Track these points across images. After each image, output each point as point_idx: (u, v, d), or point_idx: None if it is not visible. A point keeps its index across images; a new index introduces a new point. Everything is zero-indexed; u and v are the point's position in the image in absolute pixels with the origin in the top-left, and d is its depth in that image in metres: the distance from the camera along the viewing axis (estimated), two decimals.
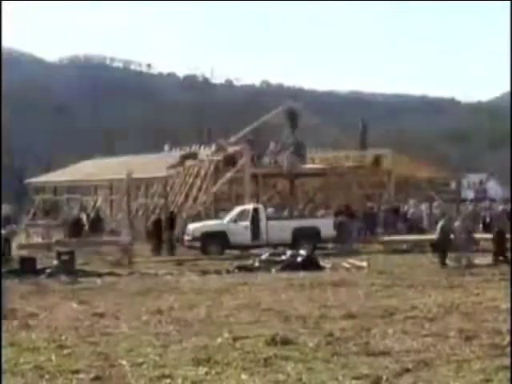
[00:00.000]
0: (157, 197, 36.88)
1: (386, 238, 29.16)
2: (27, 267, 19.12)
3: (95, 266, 21.25)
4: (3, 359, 8.42)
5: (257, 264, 20.54)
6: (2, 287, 14.06)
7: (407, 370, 7.86)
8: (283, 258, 20.86)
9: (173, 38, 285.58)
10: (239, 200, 36.28)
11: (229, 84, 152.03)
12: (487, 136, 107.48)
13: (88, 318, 11.76)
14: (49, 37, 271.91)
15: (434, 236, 23.44)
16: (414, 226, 33.13)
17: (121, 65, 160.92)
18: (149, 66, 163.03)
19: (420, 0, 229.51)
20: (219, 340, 9.64)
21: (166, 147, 42.97)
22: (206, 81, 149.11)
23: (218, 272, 19.67)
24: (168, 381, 7.58)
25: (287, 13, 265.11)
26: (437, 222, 25.30)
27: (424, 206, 38.82)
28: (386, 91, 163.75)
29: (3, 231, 19.46)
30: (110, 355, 8.76)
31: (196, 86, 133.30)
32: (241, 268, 20.21)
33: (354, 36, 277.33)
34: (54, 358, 8.70)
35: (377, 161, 38.59)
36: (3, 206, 41.03)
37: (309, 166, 38.67)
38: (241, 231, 26.55)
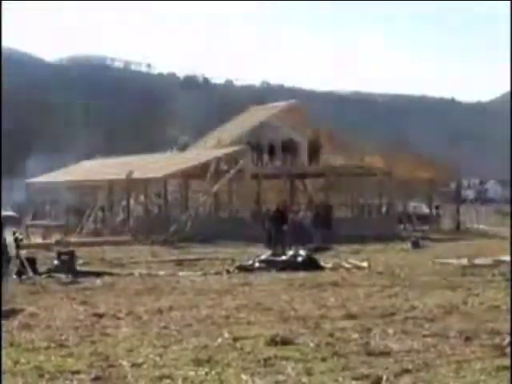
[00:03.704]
0: (157, 197, 36.92)
1: None
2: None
3: (95, 266, 21.26)
4: (3, 359, 8.41)
5: (257, 264, 20.53)
6: (1, 287, 14.04)
7: (407, 371, 7.85)
8: (283, 258, 20.86)
9: (173, 38, 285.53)
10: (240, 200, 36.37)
11: (229, 84, 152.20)
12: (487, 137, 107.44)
13: (88, 318, 11.74)
14: (49, 37, 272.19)
15: None
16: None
17: (121, 65, 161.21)
18: (149, 66, 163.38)
19: (420, 0, 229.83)
20: (219, 340, 9.63)
21: (170, 150, 42.98)
22: (206, 81, 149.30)
23: (218, 272, 19.66)
24: (168, 381, 7.57)
25: (287, 13, 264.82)
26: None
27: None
28: (386, 91, 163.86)
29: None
30: (110, 355, 8.75)
31: (196, 86, 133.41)
32: (241, 268, 20.20)
33: (354, 36, 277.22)
34: (53, 358, 8.69)
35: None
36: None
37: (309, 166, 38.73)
38: None
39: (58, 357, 8.74)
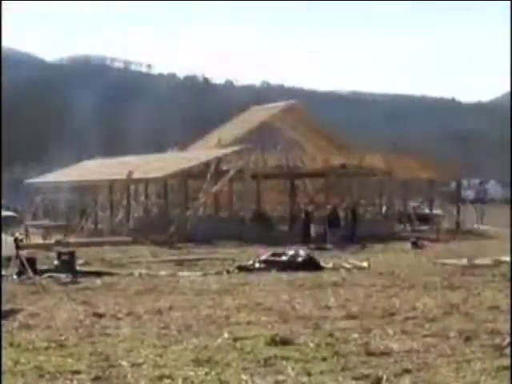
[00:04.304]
0: (156, 197, 36.91)
1: None
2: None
3: (95, 266, 21.24)
4: (3, 359, 8.41)
5: (257, 264, 20.51)
6: (1, 287, 14.04)
7: (407, 371, 7.85)
8: (283, 258, 20.82)
9: (173, 38, 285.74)
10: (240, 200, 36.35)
11: (229, 84, 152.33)
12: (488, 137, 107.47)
13: (88, 317, 11.75)
14: (49, 37, 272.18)
15: None
16: None
17: (121, 65, 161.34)
18: (149, 66, 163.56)
19: (420, 0, 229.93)
20: (219, 340, 9.63)
21: (171, 150, 43.03)
22: (206, 81, 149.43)
23: (218, 272, 19.66)
24: (168, 381, 7.58)
25: (287, 13, 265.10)
26: None
27: None
28: (386, 91, 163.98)
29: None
30: (110, 355, 8.76)
31: (196, 87, 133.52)
32: (241, 268, 20.19)
33: (354, 36, 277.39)
34: (53, 358, 8.69)
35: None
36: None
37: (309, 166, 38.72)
38: None
39: (58, 357, 8.74)
